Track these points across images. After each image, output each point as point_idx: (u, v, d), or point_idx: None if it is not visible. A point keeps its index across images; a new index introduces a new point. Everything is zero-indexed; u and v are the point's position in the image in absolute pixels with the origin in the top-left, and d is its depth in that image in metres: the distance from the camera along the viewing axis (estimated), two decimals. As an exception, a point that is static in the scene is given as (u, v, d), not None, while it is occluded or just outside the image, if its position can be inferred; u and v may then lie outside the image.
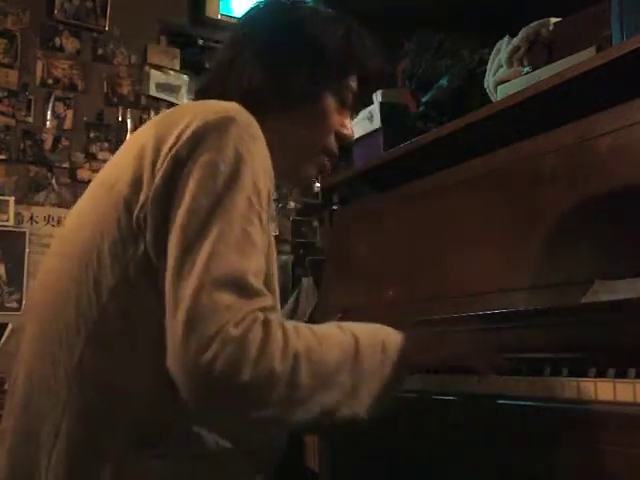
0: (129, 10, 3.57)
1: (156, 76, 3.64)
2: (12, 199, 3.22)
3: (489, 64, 1.78)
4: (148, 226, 0.89)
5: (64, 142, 3.39)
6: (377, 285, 1.77)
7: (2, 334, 2.99)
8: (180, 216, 0.86)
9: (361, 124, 2.03)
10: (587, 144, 1.30)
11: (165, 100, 3.65)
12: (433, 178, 1.70)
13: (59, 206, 3.33)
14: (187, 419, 0.91)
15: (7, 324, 3.03)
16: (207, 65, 3.74)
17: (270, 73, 1.07)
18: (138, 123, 3.57)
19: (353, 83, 1.14)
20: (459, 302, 1.45)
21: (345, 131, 1.15)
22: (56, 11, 3.42)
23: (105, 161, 3.43)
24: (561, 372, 1.07)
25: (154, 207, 0.88)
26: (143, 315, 0.89)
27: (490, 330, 1.31)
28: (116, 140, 3.50)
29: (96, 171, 3.41)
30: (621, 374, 0.98)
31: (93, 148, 3.46)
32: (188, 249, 0.84)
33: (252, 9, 1.17)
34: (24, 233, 3.24)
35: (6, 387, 2.70)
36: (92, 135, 3.47)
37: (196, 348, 0.79)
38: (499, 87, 1.69)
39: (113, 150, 3.48)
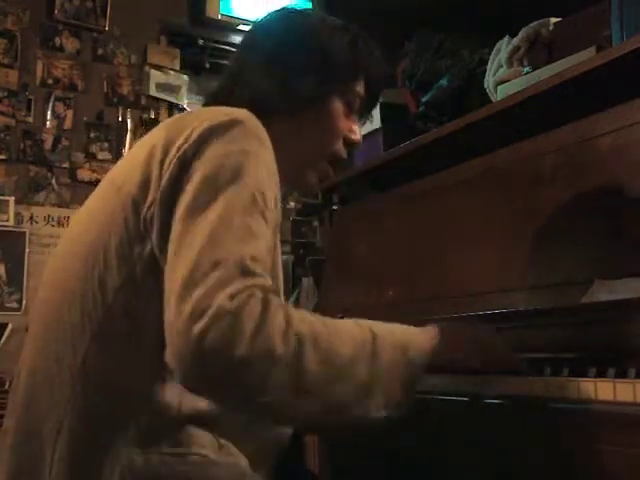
0: (129, 10, 3.57)
1: (156, 76, 3.64)
2: (12, 199, 3.22)
3: (489, 64, 1.78)
4: (154, 226, 0.89)
5: (64, 142, 3.39)
6: (377, 285, 1.77)
7: (2, 334, 2.99)
8: (181, 208, 0.86)
9: (361, 124, 2.03)
10: (587, 144, 1.30)
11: (165, 100, 3.65)
12: (433, 178, 1.70)
13: (59, 206, 3.34)
14: (189, 419, 0.91)
15: (7, 324, 3.03)
16: (207, 65, 3.75)
17: (278, 78, 1.08)
18: (138, 123, 3.57)
19: (360, 89, 1.15)
20: (459, 302, 1.45)
21: (353, 136, 1.15)
22: (56, 11, 3.42)
23: (105, 161, 3.45)
24: (561, 372, 1.07)
25: (160, 207, 0.89)
26: (148, 316, 0.89)
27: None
28: (116, 140, 3.51)
29: (96, 171, 3.41)
30: (621, 374, 0.98)
31: (93, 148, 3.46)
32: (187, 232, 0.83)
33: (262, 18, 1.18)
34: (24, 233, 3.24)
35: (6, 387, 2.71)
36: (92, 135, 3.47)
37: (188, 318, 0.77)
38: (499, 87, 1.69)
39: (113, 150, 3.49)
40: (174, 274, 0.82)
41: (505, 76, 1.69)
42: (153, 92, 3.62)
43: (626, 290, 1.09)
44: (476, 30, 1.99)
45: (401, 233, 1.76)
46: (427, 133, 1.78)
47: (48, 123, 3.36)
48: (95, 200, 1.02)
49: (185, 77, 3.72)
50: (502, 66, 1.72)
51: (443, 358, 0.96)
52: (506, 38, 1.75)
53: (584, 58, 1.38)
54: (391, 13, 2.12)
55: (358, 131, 1.16)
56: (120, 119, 3.54)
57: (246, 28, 3.46)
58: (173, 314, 0.79)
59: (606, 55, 1.28)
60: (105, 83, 3.53)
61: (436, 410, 1.23)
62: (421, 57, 2.05)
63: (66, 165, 3.38)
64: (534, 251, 1.35)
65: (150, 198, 0.90)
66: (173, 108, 3.67)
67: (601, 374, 1.00)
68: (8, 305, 3.16)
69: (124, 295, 0.90)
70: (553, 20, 1.65)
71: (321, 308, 1.95)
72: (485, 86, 1.78)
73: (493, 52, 1.78)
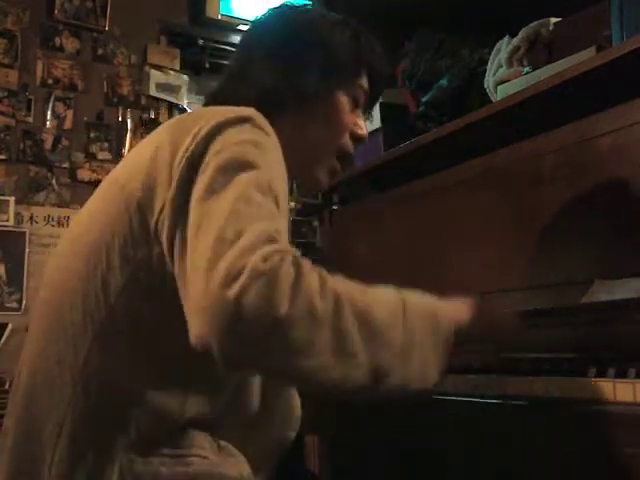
0: (129, 10, 3.57)
1: (156, 76, 3.64)
2: (12, 199, 3.22)
3: (489, 64, 1.78)
4: (165, 229, 0.86)
5: (64, 142, 3.39)
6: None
7: (2, 334, 2.99)
8: (196, 195, 0.83)
9: (361, 124, 2.03)
10: (587, 144, 1.30)
11: (165, 100, 3.65)
12: (433, 178, 1.70)
13: (59, 206, 3.33)
14: (190, 422, 0.91)
15: (7, 324, 3.03)
16: (207, 65, 3.76)
17: (282, 74, 1.07)
18: (138, 123, 3.57)
19: (364, 83, 1.15)
20: (459, 302, 1.45)
21: (359, 131, 1.15)
22: (56, 11, 3.42)
23: (105, 161, 3.45)
24: (561, 372, 1.07)
25: (171, 209, 0.86)
26: (150, 317, 0.88)
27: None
28: (116, 140, 3.51)
29: (96, 171, 3.41)
30: (621, 374, 0.98)
31: (93, 148, 3.46)
32: (205, 214, 0.80)
33: (262, 14, 1.18)
34: (24, 233, 3.24)
35: (6, 387, 2.71)
36: (92, 135, 3.47)
37: (221, 283, 0.72)
38: (499, 87, 1.69)
39: (113, 150, 3.49)
40: (196, 253, 0.78)
41: (505, 76, 1.69)
42: (153, 92, 3.62)
43: (626, 290, 1.10)
44: (476, 30, 1.98)
45: (401, 233, 1.76)
46: (427, 133, 1.78)
47: (48, 123, 3.36)
48: (96, 201, 1.02)
49: (185, 77, 3.72)
50: (502, 66, 1.72)
51: (474, 332, 0.95)
52: (506, 38, 1.75)
53: (584, 58, 1.38)
54: (391, 13, 2.11)
55: (364, 126, 1.16)
56: (120, 119, 3.54)
57: (246, 28, 3.47)
58: (202, 283, 0.74)
59: (606, 55, 1.28)
60: (105, 83, 3.53)
61: (435, 410, 1.23)
62: (421, 57, 2.05)
63: (66, 165, 3.38)
64: (534, 251, 1.35)
65: (159, 203, 0.87)
66: (173, 108, 3.67)
67: (601, 374, 1.00)
68: (8, 305, 3.16)
69: (127, 296, 0.89)
70: (553, 20, 1.65)
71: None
72: (485, 86, 1.78)
73: (493, 52, 1.78)
